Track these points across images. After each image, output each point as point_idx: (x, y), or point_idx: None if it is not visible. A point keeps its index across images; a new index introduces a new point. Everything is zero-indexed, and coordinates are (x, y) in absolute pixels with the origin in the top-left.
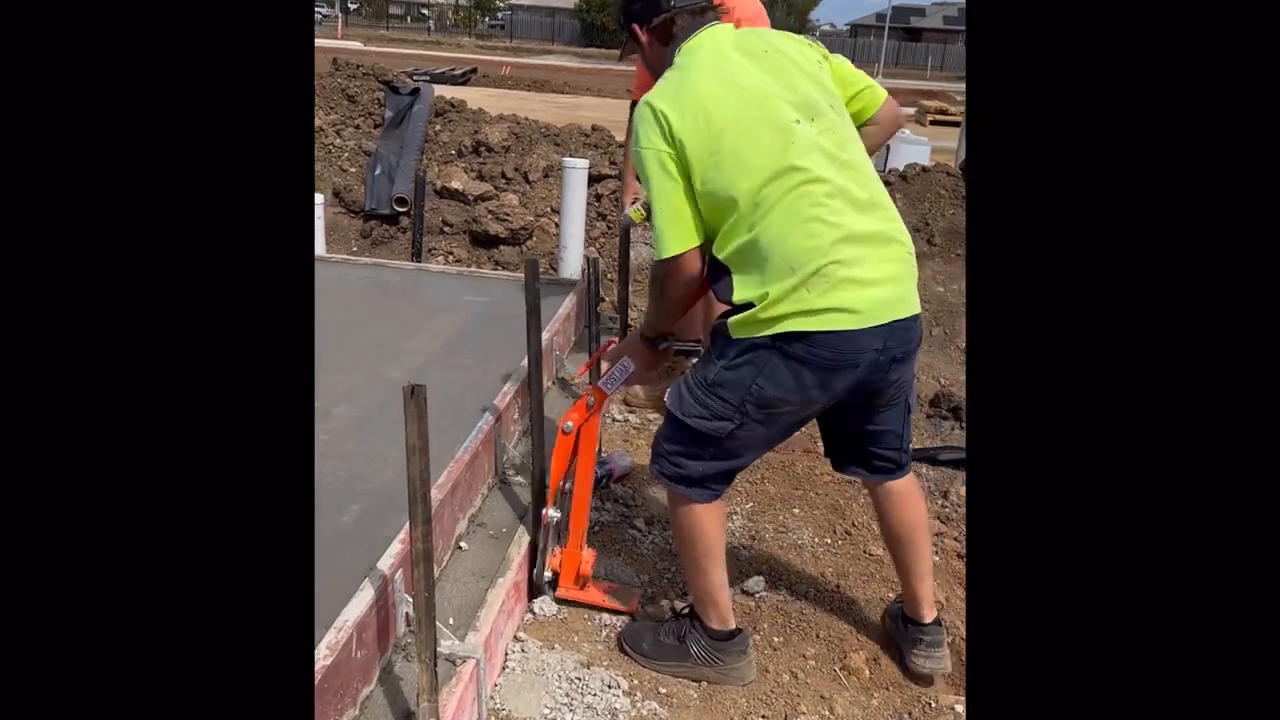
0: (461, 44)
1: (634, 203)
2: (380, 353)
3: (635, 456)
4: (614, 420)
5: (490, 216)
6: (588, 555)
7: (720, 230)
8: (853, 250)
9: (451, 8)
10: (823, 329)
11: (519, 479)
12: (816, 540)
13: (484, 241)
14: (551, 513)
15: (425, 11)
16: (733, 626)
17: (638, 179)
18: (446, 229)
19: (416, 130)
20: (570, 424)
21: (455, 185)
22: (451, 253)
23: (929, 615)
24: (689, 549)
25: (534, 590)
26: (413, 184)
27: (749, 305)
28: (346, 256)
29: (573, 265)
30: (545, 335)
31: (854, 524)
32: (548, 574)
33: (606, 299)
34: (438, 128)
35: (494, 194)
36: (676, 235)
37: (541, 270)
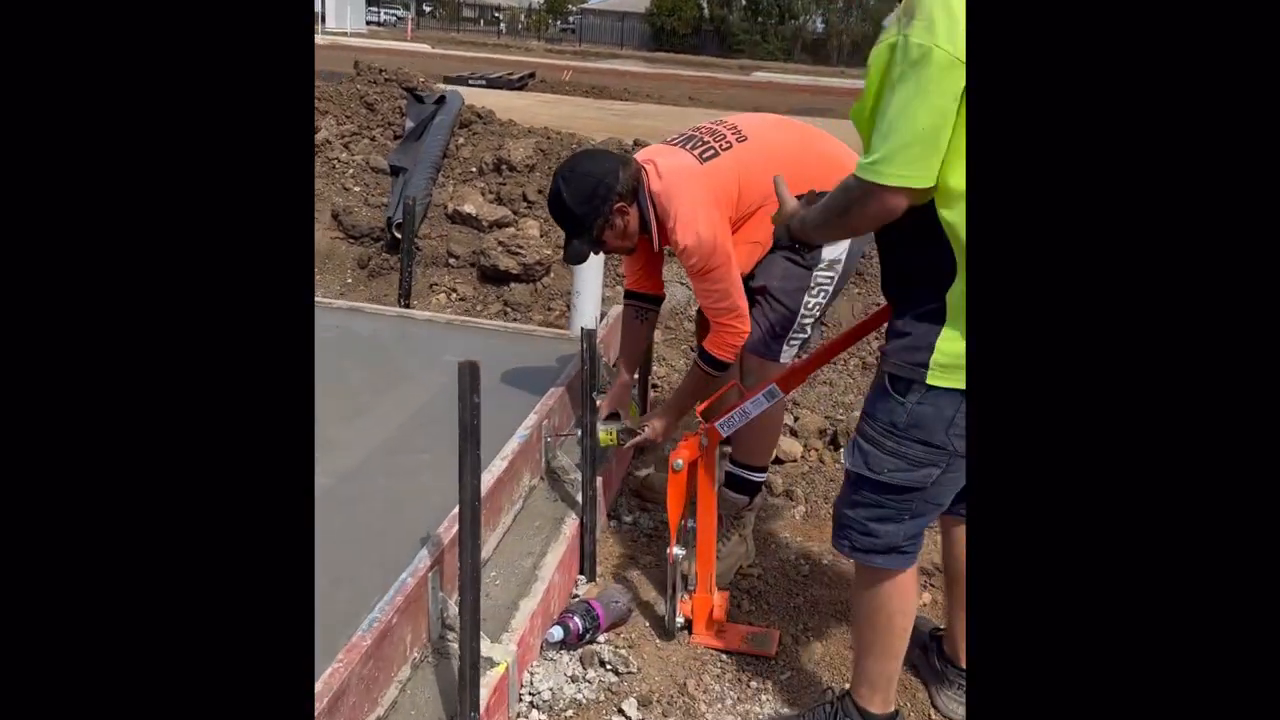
0: (530, 48)
1: (605, 419)
2: None
3: (639, 588)
4: (620, 523)
5: (500, 249)
6: (719, 599)
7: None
8: None
9: (524, 11)
10: None
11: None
12: None
13: (493, 277)
14: (677, 551)
15: (497, 15)
16: (893, 709)
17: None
18: (452, 261)
19: (434, 144)
20: (680, 462)
21: (468, 209)
22: (455, 289)
23: None
24: (880, 630)
25: (667, 634)
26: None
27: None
28: (320, 299)
29: (586, 317)
30: (534, 417)
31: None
32: (679, 620)
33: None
34: (460, 141)
35: (512, 220)
36: (909, 163)
37: (556, 315)
